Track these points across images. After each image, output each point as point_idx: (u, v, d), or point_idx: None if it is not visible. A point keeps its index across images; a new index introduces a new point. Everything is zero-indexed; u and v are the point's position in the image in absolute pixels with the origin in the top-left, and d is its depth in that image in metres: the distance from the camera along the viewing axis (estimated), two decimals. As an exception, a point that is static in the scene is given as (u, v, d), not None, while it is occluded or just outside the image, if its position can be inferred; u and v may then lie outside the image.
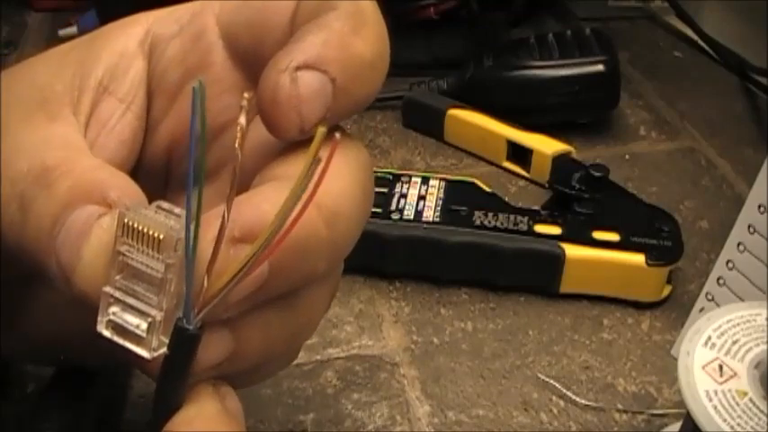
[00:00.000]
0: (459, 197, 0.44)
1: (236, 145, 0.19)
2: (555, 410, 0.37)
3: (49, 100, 0.23)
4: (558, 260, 0.41)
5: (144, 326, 0.20)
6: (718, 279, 0.37)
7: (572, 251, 0.41)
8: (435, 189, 0.44)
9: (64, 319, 0.26)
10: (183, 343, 0.20)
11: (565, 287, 0.41)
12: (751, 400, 0.27)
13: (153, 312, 0.20)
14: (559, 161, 0.48)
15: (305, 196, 0.19)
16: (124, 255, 0.20)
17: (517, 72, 0.53)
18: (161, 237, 0.19)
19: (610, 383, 0.38)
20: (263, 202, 0.20)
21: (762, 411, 0.26)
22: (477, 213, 0.42)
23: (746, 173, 0.51)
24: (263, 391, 0.37)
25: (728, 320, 0.29)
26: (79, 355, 0.28)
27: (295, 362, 0.38)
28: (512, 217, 0.42)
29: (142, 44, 0.25)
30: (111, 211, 0.20)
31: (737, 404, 0.27)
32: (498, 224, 0.42)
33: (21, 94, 0.24)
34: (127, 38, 0.25)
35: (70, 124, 0.23)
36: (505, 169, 0.51)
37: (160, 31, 0.25)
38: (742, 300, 0.35)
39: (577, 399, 0.37)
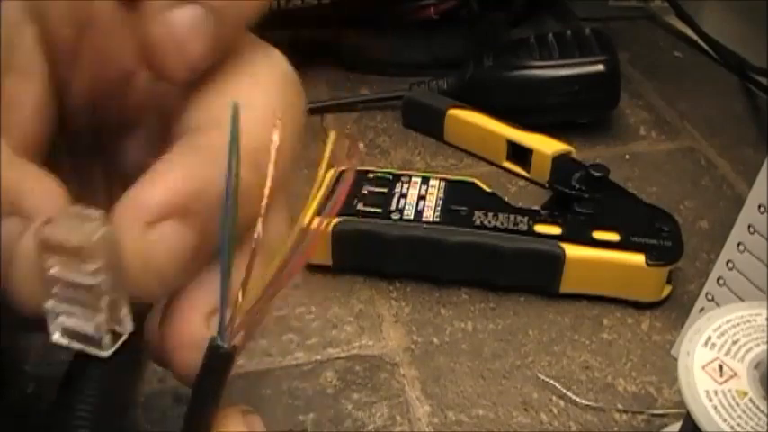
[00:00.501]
0: (459, 197, 0.44)
1: (271, 164, 0.19)
2: (555, 410, 0.37)
3: None
4: (558, 260, 0.41)
5: (91, 330, 0.20)
6: (718, 279, 0.37)
7: (572, 251, 0.41)
8: (435, 189, 0.44)
9: None
10: (218, 361, 0.20)
11: (565, 287, 0.41)
12: (751, 400, 0.27)
13: (95, 315, 0.20)
14: (559, 161, 0.48)
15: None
16: (51, 269, 0.19)
17: (517, 72, 0.53)
18: (82, 245, 0.19)
19: (610, 383, 0.38)
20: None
21: (762, 411, 0.26)
22: (477, 213, 0.42)
23: (746, 173, 0.51)
24: (263, 392, 0.37)
25: (728, 320, 0.29)
26: None
27: (295, 362, 0.38)
28: (512, 217, 0.42)
29: (24, 10, 0.23)
30: (27, 233, 0.19)
31: (737, 404, 0.27)
32: (498, 224, 0.42)
33: None
34: (8, 9, 0.23)
35: None
36: (505, 169, 0.51)
37: None
38: (742, 300, 0.35)
39: (577, 399, 0.37)
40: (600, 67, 0.52)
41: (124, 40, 0.23)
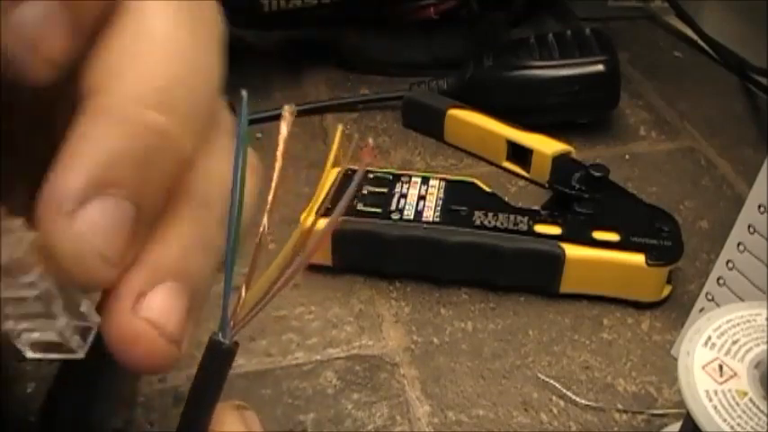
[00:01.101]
0: (459, 197, 0.44)
1: (279, 153, 0.19)
2: (555, 410, 0.37)
3: None
4: (558, 260, 0.41)
5: (56, 337, 0.19)
6: (718, 279, 0.37)
7: (572, 251, 0.41)
8: (435, 189, 0.44)
9: None
10: (219, 357, 0.20)
11: (565, 287, 0.41)
12: (751, 400, 0.27)
13: (56, 323, 0.19)
14: (559, 161, 0.48)
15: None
16: None
17: (517, 72, 0.53)
18: (10, 261, 0.18)
19: (610, 383, 0.38)
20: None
21: (762, 411, 0.26)
22: (477, 213, 0.42)
23: (746, 173, 0.51)
24: (262, 392, 0.37)
25: (728, 320, 0.29)
26: None
27: (295, 362, 0.38)
28: (512, 217, 0.42)
29: None
30: None
31: (737, 404, 0.27)
32: (498, 224, 0.42)
33: None
34: None
35: None
36: (505, 169, 0.51)
37: None
38: (742, 300, 0.35)
39: (577, 399, 0.37)
40: (600, 67, 0.52)
41: None
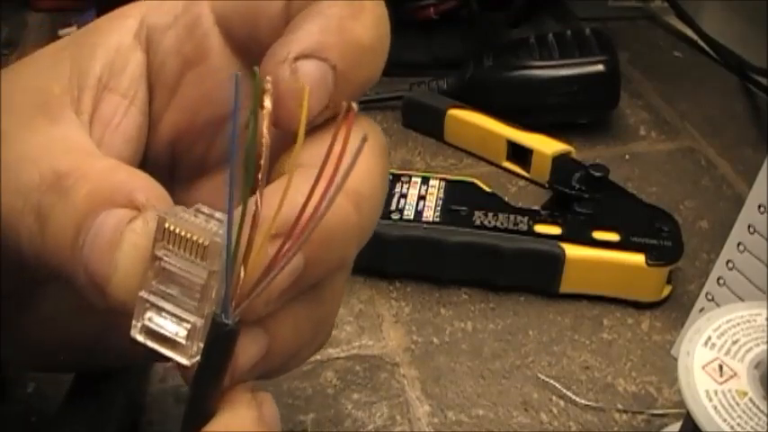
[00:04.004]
0: (459, 197, 0.44)
1: (265, 130, 0.19)
2: (555, 410, 0.37)
3: (48, 102, 0.22)
4: (558, 260, 0.41)
5: (183, 332, 0.19)
6: (718, 279, 0.37)
7: (572, 251, 0.41)
8: (435, 189, 0.44)
9: (68, 326, 0.25)
10: (222, 339, 0.19)
11: (565, 287, 0.41)
12: (751, 400, 0.27)
13: (192, 319, 0.19)
14: (559, 161, 0.48)
15: (332, 183, 0.18)
16: (162, 259, 0.19)
17: (517, 72, 0.53)
18: (206, 244, 0.18)
19: (610, 383, 0.38)
20: (296, 194, 0.19)
21: (762, 411, 0.26)
22: (477, 213, 0.42)
23: (746, 173, 0.51)
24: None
25: (728, 320, 0.29)
26: (86, 358, 0.28)
27: (295, 362, 0.38)
28: (512, 217, 0.42)
29: (138, 36, 0.24)
30: (141, 215, 0.19)
31: (737, 404, 0.27)
32: (498, 224, 0.42)
33: (16, 100, 0.23)
34: (121, 31, 0.24)
35: (74, 125, 0.22)
36: (505, 169, 0.51)
37: (154, 21, 0.24)
38: (742, 300, 0.35)
39: (577, 399, 0.37)
40: (600, 67, 0.52)
41: (228, 82, 0.23)
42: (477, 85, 0.54)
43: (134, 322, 0.19)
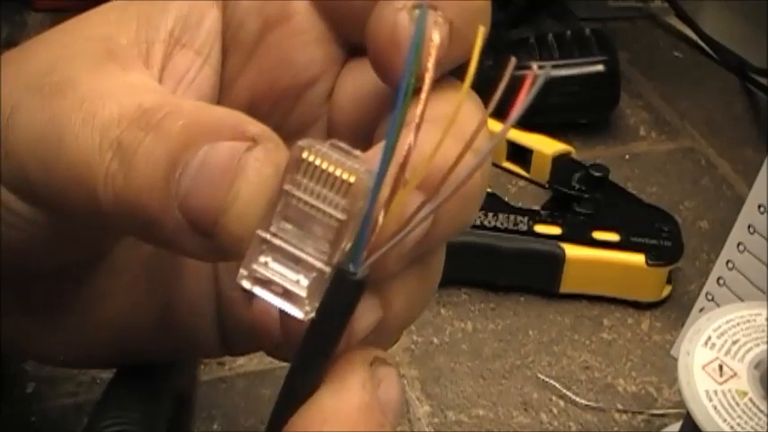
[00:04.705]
0: (459, 197, 0.43)
1: (430, 64, 0.17)
2: (555, 410, 0.37)
3: (115, 52, 0.20)
4: (558, 260, 0.41)
5: (305, 281, 0.16)
6: (718, 279, 0.37)
7: (572, 251, 0.41)
8: (435, 189, 0.44)
9: (125, 306, 0.24)
10: (347, 292, 0.16)
11: (565, 287, 0.41)
12: (751, 400, 0.27)
13: (319, 265, 0.16)
14: (559, 161, 0.48)
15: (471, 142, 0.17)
16: (292, 195, 0.16)
17: (517, 72, 0.53)
18: (351, 180, 0.16)
19: (610, 383, 0.38)
20: (445, 147, 0.17)
21: (762, 411, 0.26)
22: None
23: (746, 173, 0.51)
24: (262, 392, 0.37)
25: (728, 320, 0.29)
26: (139, 349, 0.25)
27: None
28: (512, 217, 0.42)
29: None
30: (260, 144, 0.17)
31: (737, 404, 0.27)
32: (498, 224, 0.42)
33: (80, 47, 0.21)
34: None
35: (147, 74, 0.20)
36: (505, 169, 0.51)
37: None
38: (742, 300, 0.35)
39: (577, 399, 0.37)
40: (600, 67, 0.52)
41: (313, 47, 0.22)
42: (477, 85, 0.54)
43: (242, 270, 0.17)
